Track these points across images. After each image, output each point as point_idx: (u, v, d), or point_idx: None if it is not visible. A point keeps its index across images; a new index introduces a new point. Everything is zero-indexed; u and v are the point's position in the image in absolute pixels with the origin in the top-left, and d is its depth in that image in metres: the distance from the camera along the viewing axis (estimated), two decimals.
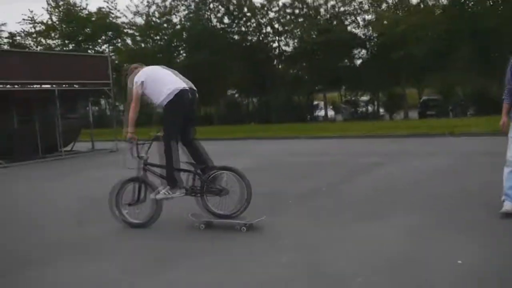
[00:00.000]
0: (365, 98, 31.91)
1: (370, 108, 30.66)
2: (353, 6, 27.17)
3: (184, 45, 31.24)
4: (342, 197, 6.41)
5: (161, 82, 4.94)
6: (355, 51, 29.06)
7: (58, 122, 14.25)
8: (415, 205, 5.66)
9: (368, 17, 27.45)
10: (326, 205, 5.96)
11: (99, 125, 22.97)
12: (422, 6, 25.52)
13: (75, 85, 15.04)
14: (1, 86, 12.89)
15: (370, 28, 27.40)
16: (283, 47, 29.67)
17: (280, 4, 27.57)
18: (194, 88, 5.05)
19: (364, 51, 29.23)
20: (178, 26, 30.47)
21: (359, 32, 28.17)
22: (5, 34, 32.95)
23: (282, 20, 27.59)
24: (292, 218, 5.43)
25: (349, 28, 27.73)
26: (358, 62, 29.82)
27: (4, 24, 38.38)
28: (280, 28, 28.16)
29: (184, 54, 32.15)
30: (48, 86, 14.28)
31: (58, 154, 14.55)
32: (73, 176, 10.15)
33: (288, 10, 27.72)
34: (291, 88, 29.65)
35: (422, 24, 23.36)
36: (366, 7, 27.11)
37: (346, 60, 29.18)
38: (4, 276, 4.02)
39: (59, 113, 14.20)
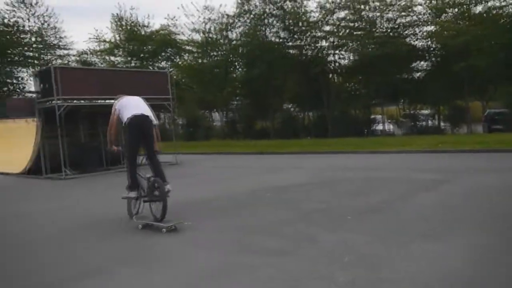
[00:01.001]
0: (425, 111, 31.01)
1: (430, 122, 29.73)
2: (411, 17, 26.63)
3: (240, 60, 31.83)
4: (402, 214, 6.32)
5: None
6: (414, 64, 28.38)
7: (121, 135, 14.94)
8: (479, 225, 5.49)
9: (428, 28, 26.79)
10: (385, 222, 5.91)
11: (161, 137, 23.77)
12: (485, 15, 24.59)
13: None
14: (71, 101, 13.72)
15: (430, 39, 26.70)
16: (339, 61, 29.54)
17: (335, 17, 27.50)
18: (147, 114, 6.50)
19: (423, 63, 28.49)
20: (235, 42, 31.13)
21: (418, 43, 27.53)
22: (74, 52, 35.08)
23: (338, 34, 27.48)
24: (351, 234, 5.42)
25: (407, 40, 27.17)
26: (417, 74, 29.09)
27: (73, 43, 41.00)
28: (336, 42, 28.04)
29: (240, 69, 32.74)
30: (113, 101, 14.95)
31: (121, 166, 15.24)
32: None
33: (344, 24, 27.59)
34: (347, 102, 29.40)
35: (486, 34, 22.52)
36: (425, 17, 26.48)
37: (404, 73, 28.55)
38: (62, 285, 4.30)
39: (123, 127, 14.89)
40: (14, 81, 31.64)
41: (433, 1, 25.84)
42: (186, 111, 32.46)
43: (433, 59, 27.71)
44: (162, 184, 6.27)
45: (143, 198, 6.57)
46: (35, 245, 5.85)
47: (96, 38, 33.91)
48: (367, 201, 7.30)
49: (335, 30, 27.66)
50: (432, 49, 27.39)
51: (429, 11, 26.24)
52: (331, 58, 29.42)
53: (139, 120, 6.38)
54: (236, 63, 32.69)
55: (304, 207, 7.09)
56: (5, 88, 30.88)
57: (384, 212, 6.51)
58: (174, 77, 31.95)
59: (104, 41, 33.81)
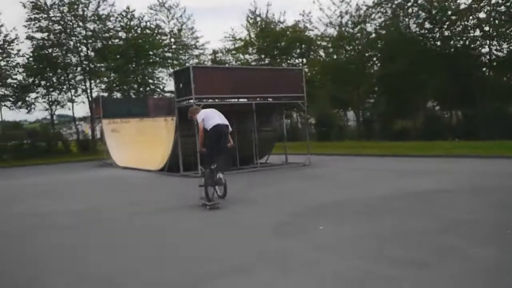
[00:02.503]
0: None
1: None
2: None
3: (378, 54, 31.00)
4: None
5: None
6: None
7: (254, 134, 15.49)
8: None
9: None
10: None
11: (291, 138, 24.23)
12: None
13: (269, 99, 16.11)
14: (206, 101, 14.58)
15: None
16: (495, 52, 27.05)
17: (493, 1, 25.22)
18: (226, 124, 8.83)
19: None
20: (373, 35, 30.39)
21: None
22: (209, 51, 37.32)
23: (494, 22, 25.23)
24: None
25: None
26: None
27: (207, 42, 43.59)
28: (492, 31, 25.76)
29: (378, 64, 31.87)
30: (245, 100, 15.59)
31: (253, 166, 15.84)
32: (269, 187, 10.92)
33: (501, 9, 25.22)
34: (503, 99, 26.85)
35: None
36: None
37: None
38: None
39: (255, 126, 15.42)
40: (155, 81, 34.71)
41: None
42: (319, 110, 32.55)
43: None
44: (216, 173, 8.68)
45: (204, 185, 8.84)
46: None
47: (232, 37, 35.62)
48: None
49: (491, 17, 25.45)
50: None
51: None
52: (485, 49, 27.12)
53: (221, 127, 8.72)
54: (374, 58, 31.92)
55: (449, 216, 6.67)
56: (148, 88, 34.05)
57: None
58: (309, 74, 32.35)
59: (239, 39, 35.38)
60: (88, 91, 32.77)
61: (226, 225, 6.99)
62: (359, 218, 6.95)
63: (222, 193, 9.22)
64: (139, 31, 33.02)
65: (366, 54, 31.16)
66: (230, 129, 8.95)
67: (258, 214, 7.70)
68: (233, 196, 9.46)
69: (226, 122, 8.84)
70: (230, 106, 15.56)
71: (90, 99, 31.96)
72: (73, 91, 33.39)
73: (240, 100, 15.60)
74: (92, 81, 33.07)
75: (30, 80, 31.64)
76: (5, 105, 31.91)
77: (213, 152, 8.73)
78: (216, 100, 15.21)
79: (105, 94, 32.62)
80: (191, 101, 14.02)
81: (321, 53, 34.48)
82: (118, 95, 33.66)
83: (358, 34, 30.83)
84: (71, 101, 33.60)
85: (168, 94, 33.53)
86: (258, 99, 15.55)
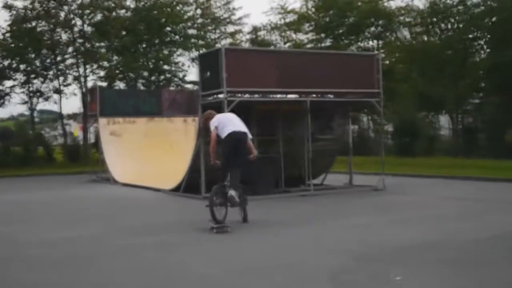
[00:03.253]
0: None
1: None
2: None
3: (487, 36, 30.44)
4: None
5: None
6: None
7: (308, 145, 15.38)
8: None
9: None
10: None
11: (359, 151, 24.02)
12: None
13: (330, 95, 15.99)
14: (242, 96, 14.61)
15: None
16: None
17: None
18: (243, 131, 9.97)
19: None
20: (480, 8, 29.87)
21: None
22: (247, 29, 37.47)
23: None
24: None
25: None
26: None
27: (247, 16, 43.67)
28: None
29: (488, 50, 31.29)
30: (296, 96, 15.52)
31: (304, 189, 15.73)
32: (321, 222, 10.81)
33: None
34: None
35: None
36: None
37: None
38: None
39: (309, 133, 15.29)
40: (172, 68, 34.96)
41: None
42: (399, 113, 32.15)
43: None
44: (228, 190, 9.70)
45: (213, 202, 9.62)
46: None
47: (282, 8, 35.73)
48: None
49: None
50: None
51: None
52: None
53: (236, 135, 9.81)
54: (481, 42, 31.37)
55: None
56: (162, 77, 34.32)
57: None
58: (387, 62, 32.05)
59: (291, 11, 35.46)
60: (82, 79, 33.62)
61: (261, 268, 6.93)
62: (452, 268, 6.79)
63: (242, 216, 10.37)
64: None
65: (470, 36, 30.64)
66: (250, 136, 10.08)
67: (308, 254, 7.62)
68: (272, 227, 9.41)
69: (243, 129, 9.98)
70: (275, 105, 15.61)
71: (83, 90, 32.68)
72: (61, 78, 34.34)
73: (289, 96, 15.57)
74: (88, 66, 33.89)
75: (6, 62, 32.61)
76: None
77: (228, 165, 9.85)
78: (256, 96, 15.23)
79: (104, 84, 33.28)
80: (221, 96, 14.06)
81: (405, 33, 34.17)
82: (122, 85, 34.29)
83: (459, 7, 30.36)
84: (58, 92, 34.49)
85: (189, 86, 33.97)
86: (314, 95, 15.47)
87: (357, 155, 20.19)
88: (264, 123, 15.77)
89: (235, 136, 9.77)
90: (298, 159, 15.86)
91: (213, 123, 10.06)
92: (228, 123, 9.99)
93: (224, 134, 9.79)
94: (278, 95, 15.47)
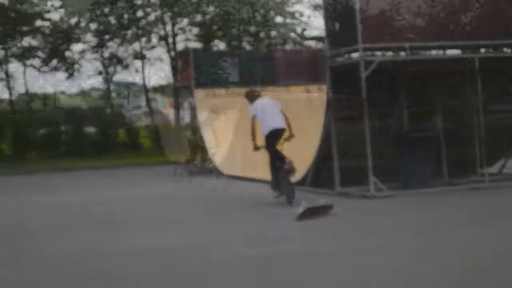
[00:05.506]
0: None
1: None
2: None
3: None
4: None
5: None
6: None
7: (479, 119, 14.86)
8: None
9: None
10: None
11: None
12: None
13: (505, 48, 15.61)
14: (384, 54, 14.36)
15: None
16: None
17: None
18: (283, 128, 13.84)
19: None
20: None
21: None
22: None
23: None
24: None
25: None
26: None
27: None
28: None
29: None
30: (458, 51, 15.11)
31: (477, 180, 15.24)
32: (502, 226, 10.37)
33: None
34: None
35: None
36: None
37: None
38: None
39: (480, 103, 14.76)
40: (287, 20, 34.75)
41: None
42: None
43: None
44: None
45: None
46: None
47: None
48: None
49: None
50: None
51: None
52: None
53: (277, 132, 13.66)
54: None
55: None
56: (273, 33, 34.14)
57: None
58: None
59: None
60: (170, 39, 34.25)
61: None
62: None
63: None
64: None
65: None
66: (285, 127, 13.87)
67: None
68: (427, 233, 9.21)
69: (282, 124, 13.78)
70: (430, 65, 15.17)
71: (172, 54, 33.45)
72: (143, 39, 35.14)
73: (449, 52, 15.19)
74: (176, 23, 34.47)
75: (73, 21, 33.69)
76: (31, 64, 34.51)
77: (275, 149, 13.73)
78: (402, 54, 14.92)
79: (199, 46, 33.61)
80: (355, 55, 13.91)
81: None
82: (222, 46, 34.49)
83: None
84: (141, 57, 35.41)
85: (311, 44, 33.70)
86: (484, 49, 15.10)
87: None
88: (415, 91, 15.46)
89: (276, 133, 13.66)
90: (466, 140, 15.43)
91: (253, 110, 13.93)
92: (268, 115, 13.67)
93: (264, 129, 13.69)
94: (434, 52, 15.10)
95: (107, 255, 9.52)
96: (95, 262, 9.08)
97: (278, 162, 13.64)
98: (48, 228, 12.44)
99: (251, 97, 14.43)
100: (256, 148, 13.92)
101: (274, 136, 13.59)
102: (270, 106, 14.02)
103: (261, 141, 14.04)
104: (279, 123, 13.68)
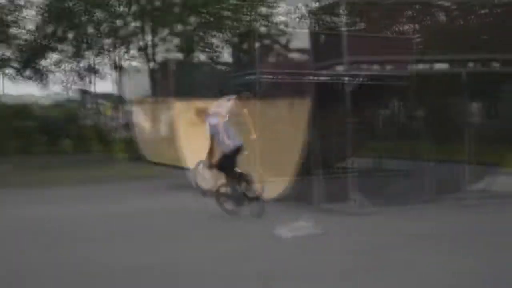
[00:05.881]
0: None
1: None
2: None
3: None
4: None
5: None
6: None
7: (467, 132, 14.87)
8: None
9: None
10: None
11: None
12: None
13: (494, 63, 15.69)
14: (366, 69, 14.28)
15: None
16: None
17: None
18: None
19: None
20: None
21: None
22: None
23: None
24: None
25: None
26: None
27: None
28: None
29: None
30: (445, 65, 15.23)
31: (460, 197, 15.17)
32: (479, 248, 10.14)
33: None
34: None
35: None
36: None
37: None
38: None
39: (474, 113, 14.90)
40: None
41: None
42: None
43: None
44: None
45: None
46: None
47: None
48: None
49: None
50: None
51: None
52: None
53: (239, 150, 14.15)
54: None
55: None
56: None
57: None
58: None
59: None
60: (150, 50, 34.29)
61: None
62: None
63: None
64: None
65: None
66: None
67: None
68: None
69: (239, 141, 14.14)
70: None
71: (151, 65, 33.62)
72: (121, 49, 35.38)
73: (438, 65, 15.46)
74: (157, 33, 34.50)
75: (49, 30, 33.94)
76: (7, 73, 35.04)
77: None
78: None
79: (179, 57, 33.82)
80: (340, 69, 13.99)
81: None
82: (203, 57, 34.70)
83: None
84: (119, 67, 35.53)
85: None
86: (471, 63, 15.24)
87: None
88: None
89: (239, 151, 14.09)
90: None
91: (211, 126, 14.45)
92: (228, 129, 14.10)
93: (227, 145, 13.95)
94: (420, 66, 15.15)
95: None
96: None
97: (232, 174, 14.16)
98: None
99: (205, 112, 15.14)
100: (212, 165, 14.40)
101: (233, 155, 14.03)
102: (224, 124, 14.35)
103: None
104: (239, 141, 14.14)
